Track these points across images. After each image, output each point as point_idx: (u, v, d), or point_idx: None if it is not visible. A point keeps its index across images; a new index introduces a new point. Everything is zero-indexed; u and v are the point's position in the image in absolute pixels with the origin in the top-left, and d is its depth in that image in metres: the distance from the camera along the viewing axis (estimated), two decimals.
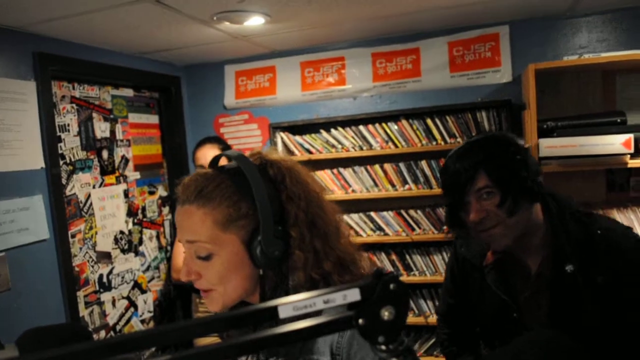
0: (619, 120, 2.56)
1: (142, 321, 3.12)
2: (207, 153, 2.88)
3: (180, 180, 1.08)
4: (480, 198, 1.37)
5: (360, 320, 0.67)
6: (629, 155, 2.48)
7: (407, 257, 3.14)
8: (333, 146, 3.20)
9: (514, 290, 1.50)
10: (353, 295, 0.66)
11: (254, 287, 1.05)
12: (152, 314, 3.20)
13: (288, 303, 0.63)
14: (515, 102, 2.91)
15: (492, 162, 1.37)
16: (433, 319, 3.05)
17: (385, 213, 3.14)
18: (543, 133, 2.60)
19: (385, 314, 0.67)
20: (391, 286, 0.67)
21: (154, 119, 3.37)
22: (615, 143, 2.46)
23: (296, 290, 1.01)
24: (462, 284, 1.67)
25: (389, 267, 3.14)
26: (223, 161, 1.12)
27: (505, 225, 1.37)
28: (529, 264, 1.48)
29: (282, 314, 0.62)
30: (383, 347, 0.68)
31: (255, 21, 2.49)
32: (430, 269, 3.12)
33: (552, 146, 2.54)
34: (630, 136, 2.44)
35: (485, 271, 1.54)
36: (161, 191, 3.39)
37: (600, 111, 2.77)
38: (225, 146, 2.98)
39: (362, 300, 0.67)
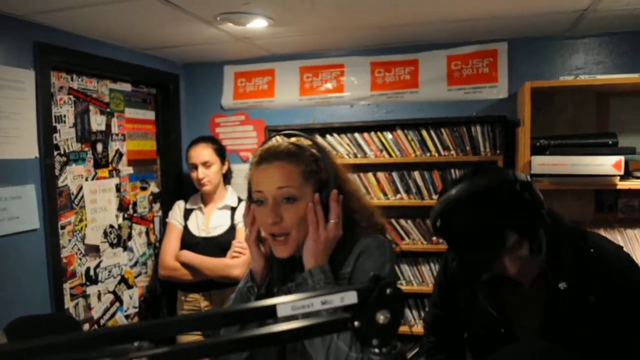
0: (610, 142, 2.59)
1: (127, 316, 3.10)
2: (201, 152, 2.89)
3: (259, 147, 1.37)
4: (509, 253, 1.37)
5: (356, 323, 0.68)
6: (618, 177, 2.52)
7: (395, 266, 3.15)
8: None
9: (505, 306, 1.51)
10: (350, 297, 0.68)
11: None
12: (137, 310, 3.19)
13: (286, 302, 0.64)
14: (510, 118, 2.94)
15: (515, 215, 1.33)
16: (418, 328, 3.07)
17: None
18: (536, 150, 2.64)
19: (381, 318, 0.68)
20: (388, 291, 0.69)
21: (150, 115, 3.37)
22: (606, 164, 2.50)
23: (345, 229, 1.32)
24: (451, 297, 1.68)
25: None
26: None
27: (535, 260, 1.40)
28: (521, 279, 1.49)
29: (281, 312, 0.64)
30: (376, 350, 0.69)
31: (258, 23, 2.51)
32: (418, 279, 3.14)
33: (544, 164, 2.57)
34: (620, 158, 2.48)
35: (477, 286, 1.55)
36: (153, 187, 3.38)
37: (592, 132, 2.81)
38: (219, 146, 2.98)
39: (359, 302, 0.68)
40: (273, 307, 0.63)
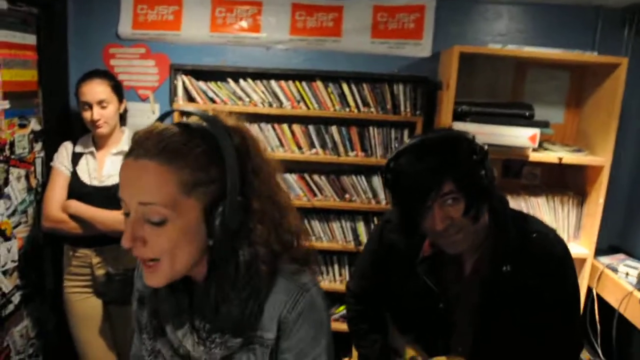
0: (527, 114, 2.65)
1: (4, 272, 2.73)
2: (96, 89, 2.50)
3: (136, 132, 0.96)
4: (444, 204, 1.30)
5: None
6: (531, 149, 2.60)
7: (306, 221, 3.08)
8: (240, 98, 2.97)
9: (444, 282, 1.50)
10: None
11: (200, 259, 0.99)
12: (16, 264, 2.82)
13: None
14: (431, 78, 2.90)
15: (457, 166, 1.29)
16: (325, 284, 3.08)
17: (288, 175, 3.02)
18: (457, 116, 2.63)
19: None
20: None
21: (30, 39, 2.84)
22: (522, 136, 2.57)
23: (249, 264, 0.97)
24: (383, 269, 1.64)
25: None
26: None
27: (467, 232, 1.33)
28: (464, 260, 1.48)
29: None
30: None
31: None
32: (327, 236, 3.10)
33: (464, 130, 2.57)
34: (537, 131, 2.55)
35: (417, 261, 1.51)
36: (34, 125, 2.92)
37: (511, 101, 2.86)
38: (116, 83, 2.61)
39: None
40: None
